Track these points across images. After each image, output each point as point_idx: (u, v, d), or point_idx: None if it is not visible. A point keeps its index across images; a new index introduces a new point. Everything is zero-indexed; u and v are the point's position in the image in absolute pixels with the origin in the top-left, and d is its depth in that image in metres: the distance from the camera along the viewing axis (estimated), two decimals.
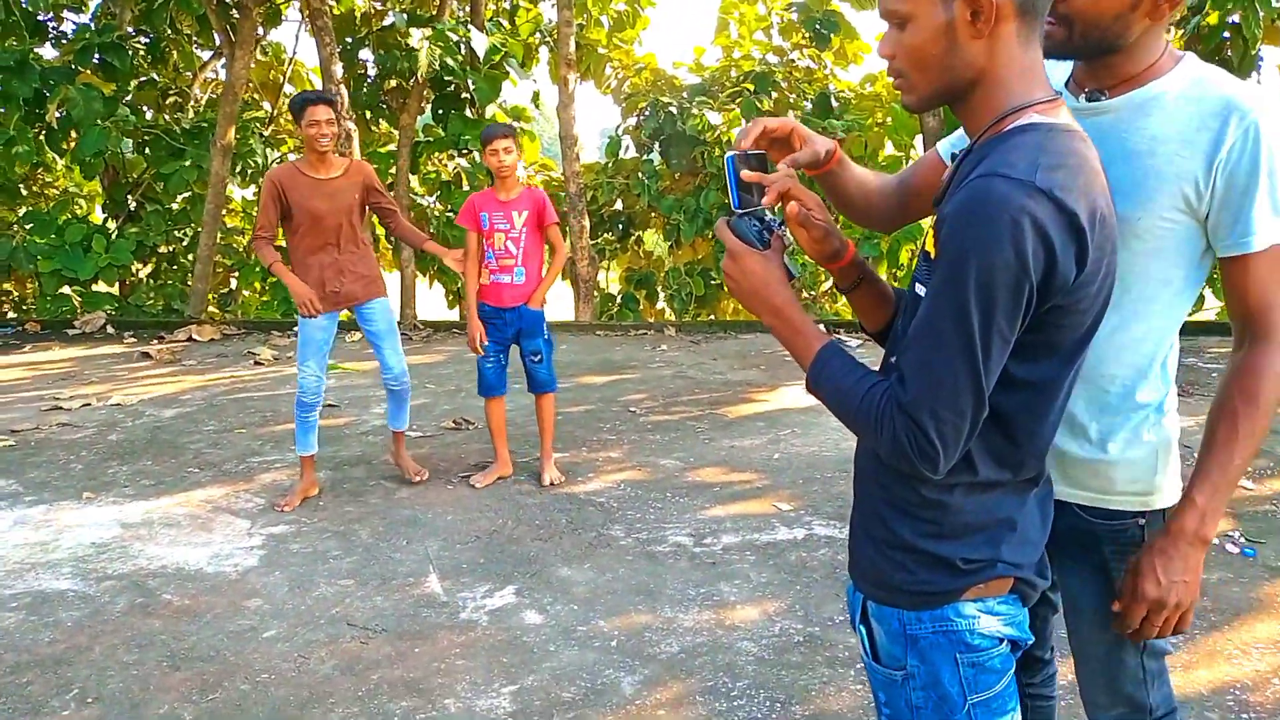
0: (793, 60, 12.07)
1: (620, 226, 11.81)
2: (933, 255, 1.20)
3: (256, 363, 8.32)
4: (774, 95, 11.35)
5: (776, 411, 6.21)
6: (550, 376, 4.72)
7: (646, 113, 10.89)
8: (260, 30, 12.42)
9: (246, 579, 3.74)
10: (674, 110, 10.57)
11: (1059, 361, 1.23)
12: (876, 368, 1.30)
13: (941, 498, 1.27)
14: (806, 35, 11.56)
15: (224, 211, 14.15)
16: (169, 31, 11.84)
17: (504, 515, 4.38)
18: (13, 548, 4.06)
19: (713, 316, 11.71)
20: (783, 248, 1.40)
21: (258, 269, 12.32)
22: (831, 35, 11.34)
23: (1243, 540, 3.84)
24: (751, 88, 10.94)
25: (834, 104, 11.34)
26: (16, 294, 12.77)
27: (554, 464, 4.85)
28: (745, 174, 1.37)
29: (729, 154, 1.39)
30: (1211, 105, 1.40)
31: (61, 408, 6.65)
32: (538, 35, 12.71)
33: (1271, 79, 9.95)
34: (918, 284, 1.26)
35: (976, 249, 1.10)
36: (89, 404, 6.75)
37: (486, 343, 4.60)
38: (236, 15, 10.52)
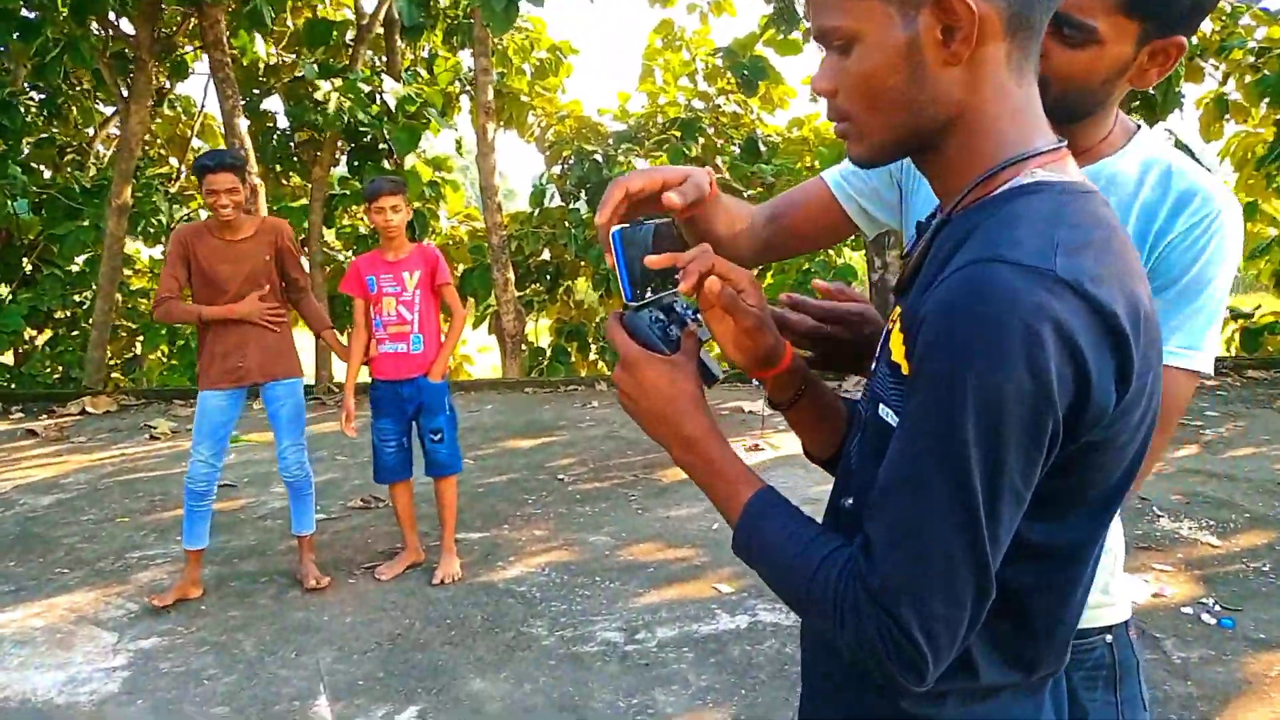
0: (719, 106, 11.92)
1: (548, 277, 11.44)
2: (905, 369, 0.82)
3: (152, 437, 7.69)
4: (700, 141, 11.15)
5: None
6: (452, 457, 4.23)
7: (571, 161, 10.59)
8: (166, 83, 11.90)
9: (102, 711, 3.19)
10: (599, 158, 10.28)
11: (1090, 517, 0.85)
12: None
13: (928, 712, 0.88)
14: (733, 80, 11.42)
15: (130, 272, 13.52)
16: (64, 87, 11.24)
17: (411, 613, 3.88)
18: None
19: None
20: (697, 347, 1.02)
21: (163, 331, 11.65)
22: (758, 81, 11.21)
23: (1218, 610, 3.54)
24: (678, 134, 10.72)
25: (762, 148, 11.18)
26: None
27: (454, 557, 4.30)
28: (651, 259, 0.99)
29: (614, 229, 1.00)
30: (1171, 194, 1.16)
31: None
32: (458, 84, 12.38)
33: (1192, 116, 10.03)
34: (881, 405, 0.88)
35: (977, 369, 0.73)
36: None
37: (353, 425, 4.16)
38: (132, 69, 9.96)
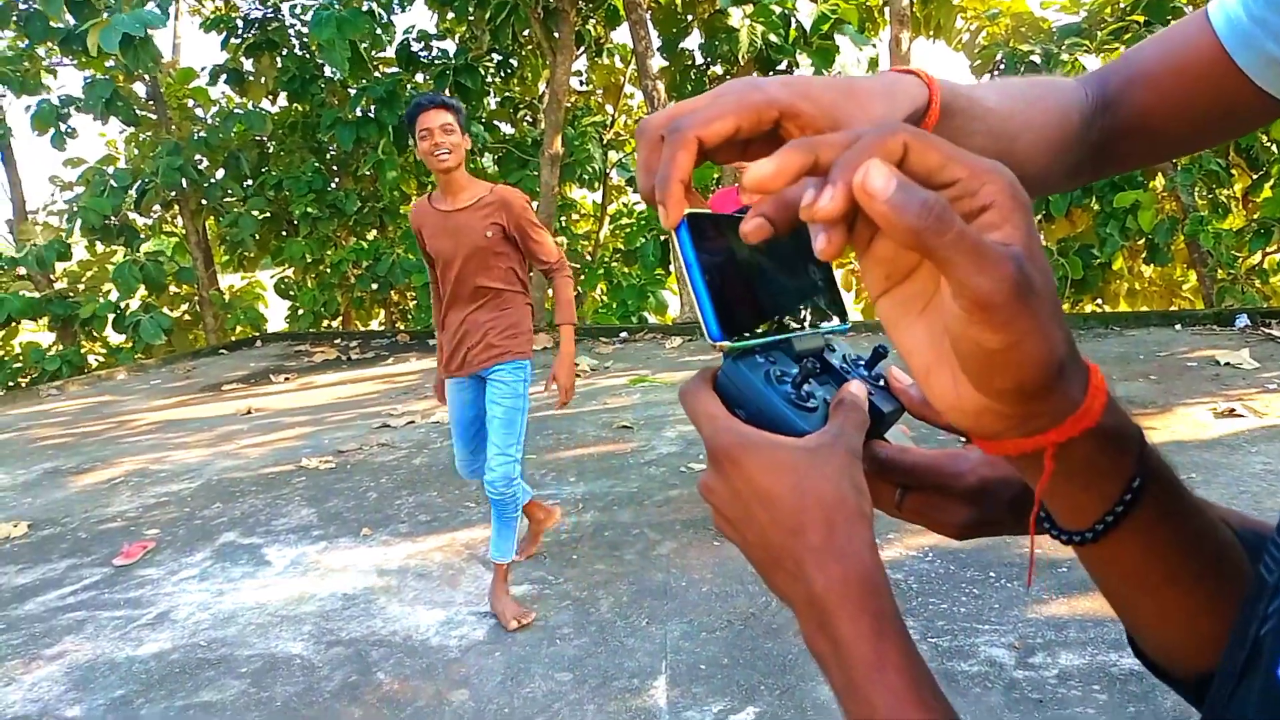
0: None
1: None
2: None
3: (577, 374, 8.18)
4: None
5: (1168, 446, 4.66)
6: None
7: (1002, 65, 9.26)
8: (599, 33, 12.55)
9: (465, 659, 3.28)
10: (1036, 59, 8.85)
11: None
12: None
13: None
14: None
15: (576, 216, 14.72)
16: (515, 47, 12.31)
17: (768, 591, 3.51)
18: (275, 595, 3.98)
19: (1098, 304, 9.78)
20: (863, 420, 0.51)
21: (600, 272, 12.50)
22: None
23: None
24: (1141, 19, 8.85)
25: None
26: (400, 306, 14.12)
27: None
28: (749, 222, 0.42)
29: (682, 219, 0.47)
30: None
31: (389, 425, 6.88)
32: None
33: None
34: None
35: None
36: (413, 421, 6.93)
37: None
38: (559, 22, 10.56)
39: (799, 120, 0.49)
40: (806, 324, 0.54)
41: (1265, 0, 0.67)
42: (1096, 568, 0.47)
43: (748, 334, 0.49)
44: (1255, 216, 9.02)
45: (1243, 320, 7.38)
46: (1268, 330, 7.07)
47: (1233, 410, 5.09)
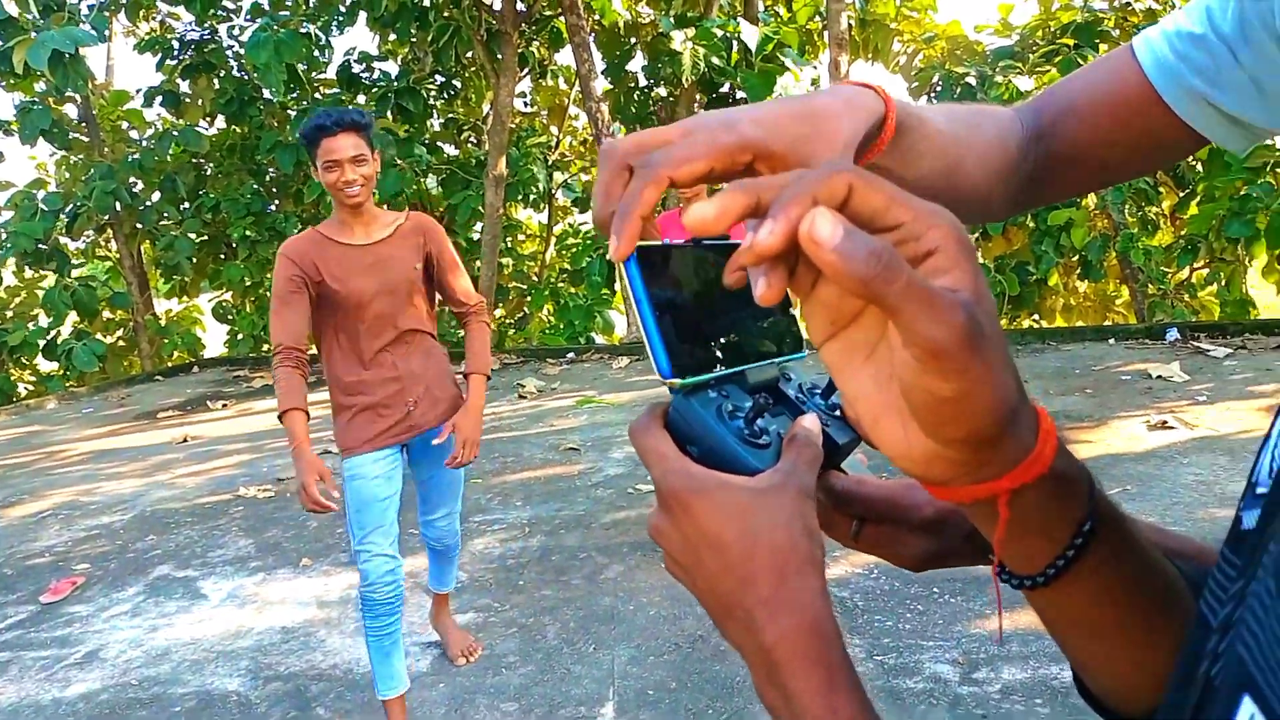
0: (1128, 4, 10.00)
1: None
2: None
3: (520, 396, 8.12)
4: (1103, 47, 9.42)
5: (1103, 459, 4.76)
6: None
7: (939, 87, 9.47)
8: (543, 55, 12.56)
9: (408, 692, 3.20)
10: (971, 80, 9.06)
11: None
12: None
13: None
14: None
15: (523, 237, 14.68)
16: (458, 68, 12.27)
17: None
18: (211, 629, 3.86)
19: (1035, 319, 9.99)
20: (816, 458, 0.49)
21: (546, 292, 12.46)
22: None
23: None
24: (1071, 42, 9.13)
25: None
26: None
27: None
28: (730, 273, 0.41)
29: (628, 255, 0.46)
30: None
31: (330, 451, 6.74)
32: (818, 19, 11.66)
33: None
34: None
35: None
36: None
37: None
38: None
39: (770, 163, 0.48)
40: (761, 355, 0.53)
41: (1188, 36, 0.69)
42: (1045, 610, 0.46)
43: (700, 368, 0.48)
44: (1183, 233, 9.32)
45: (1173, 334, 7.60)
46: (1197, 344, 7.28)
47: (1165, 423, 5.22)
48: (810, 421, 0.51)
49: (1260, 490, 0.34)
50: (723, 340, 0.50)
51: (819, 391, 0.57)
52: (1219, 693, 0.31)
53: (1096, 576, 0.43)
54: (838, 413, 0.56)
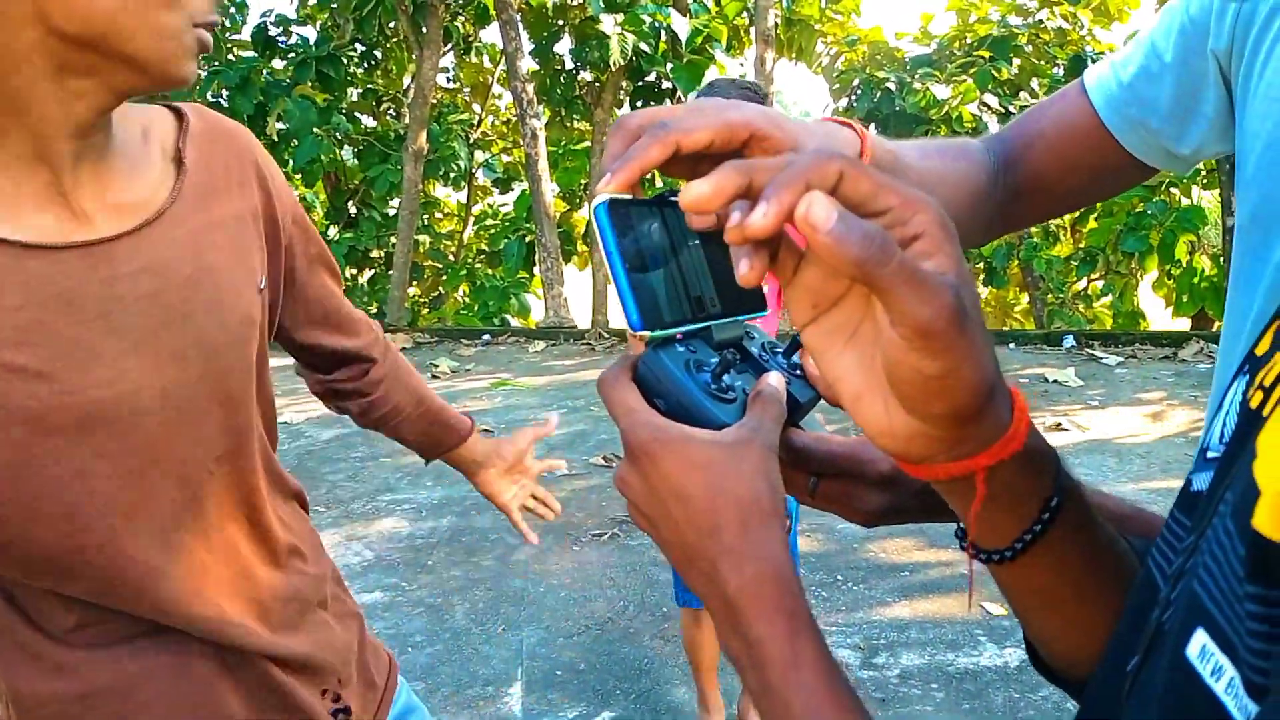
0: (1040, 21, 10.36)
1: None
2: None
3: (433, 376, 8.00)
4: (1016, 62, 9.75)
5: None
6: None
7: (859, 90, 9.67)
8: (468, 30, 12.36)
9: None
10: (891, 86, 9.28)
11: None
12: None
13: None
14: None
15: (440, 215, 14.44)
16: (380, 39, 11.97)
17: (628, 594, 3.55)
18: None
19: None
20: (780, 413, 0.52)
21: (462, 273, 12.29)
22: None
23: None
24: (987, 55, 9.43)
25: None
26: None
27: None
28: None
29: (599, 201, 0.47)
30: None
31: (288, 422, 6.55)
32: (746, 15, 11.76)
33: None
34: (1203, 635, 0.30)
35: None
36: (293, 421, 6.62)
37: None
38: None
39: (766, 143, 0.51)
40: (726, 312, 0.54)
41: (1133, 69, 0.75)
42: (1008, 583, 0.48)
43: (668, 322, 0.49)
44: (1082, 245, 9.74)
45: (1069, 341, 7.94)
46: (1091, 351, 7.63)
47: (1059, 425, 5.46)
48: (775, 379, 0.52)
49: (1211, 454, 0.36)
50: (690, 296, 0.51)
51: (780, 350, 0.59)
52: (1168, 635, 0.33)
53: (1058, 550, 0.45)
54: (799, 371, 0.57)
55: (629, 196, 0.48)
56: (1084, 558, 0.46)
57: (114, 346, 0.79)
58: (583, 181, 10.53)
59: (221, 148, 0.92)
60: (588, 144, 11.40)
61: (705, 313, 0.52)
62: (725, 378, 0.51)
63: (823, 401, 0.59)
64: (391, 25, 11.24)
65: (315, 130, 10.79)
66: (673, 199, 0.52)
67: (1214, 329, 8.85)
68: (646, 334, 0.48)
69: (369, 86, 13.00)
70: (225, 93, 11.12)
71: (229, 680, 0.93)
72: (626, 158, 0.47)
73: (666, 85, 10.68)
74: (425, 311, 13.02)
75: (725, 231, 0.38)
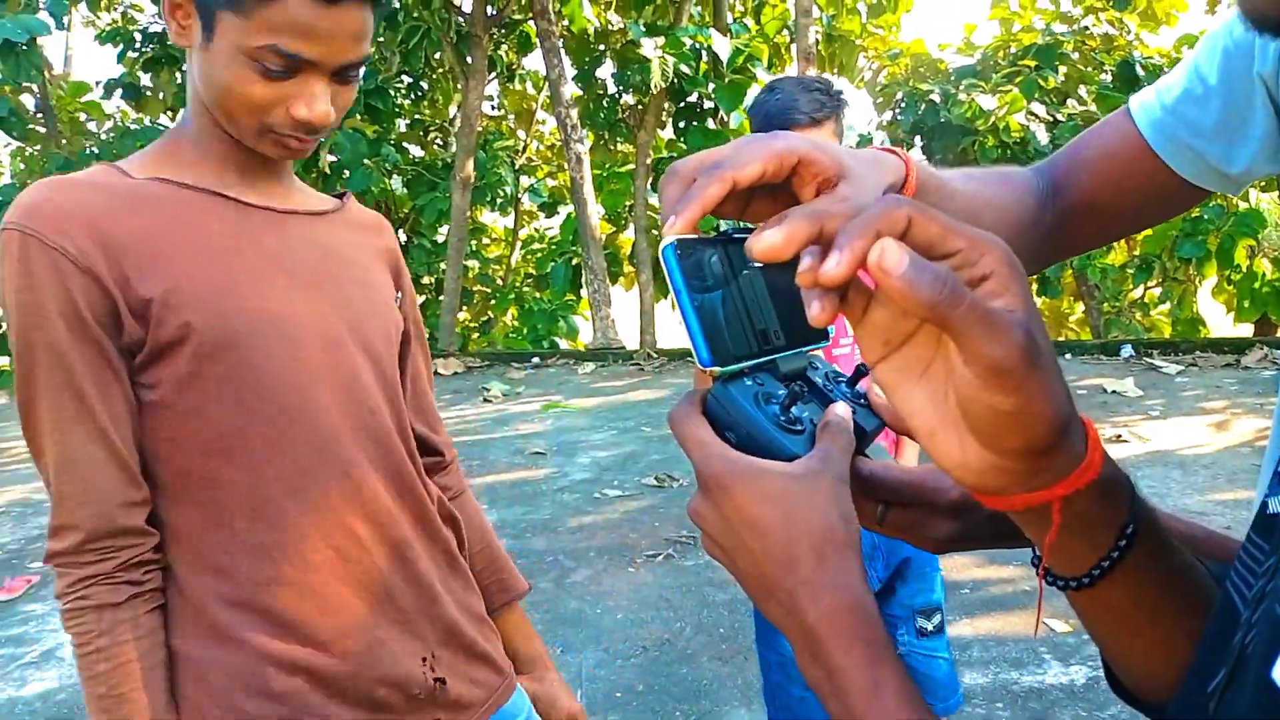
0: (1086, 28, 10.25)
1: None
2: None
3: (485, 400, 8.09)
4: (1062, 69, 9.65)
5: None
6: None
7: (903, 104, 9.63)
8: (512, 59, 12.57)
9: None
10: (935, 98, 9.23)
11: None
12: None
13: None
14: None
15: (488, 241, 14.64)
16: (427, 70, 12.23)
17: (684, 616, 3.55)
18: None
19: None
20: (850, 444, 0.53)
21: (511, 296, 12.44)
22: None
23: None
24: (1032, 63, 9.34)
25: (1140, 73, 9.44)
26: None
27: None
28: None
29: (668, 243, 0.50)
30: None
31: None
32: (786, 33, 11.79)
33: None
34: None
35: None
36: None
37: None
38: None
39: (814, 168, 0.53)
40: (790, 344, 0.55)
41: (1178, 92, 0.76)
42: (1085, 608, 0.48)
43: (736, 357, 0.50)
44: (1137, 253, 9.57)
45: (1127, 350, 7.79)
46: (1150, 360, 7.48)
47: (1119, 436, 5.36)
48: (842, 409, 0.53)
49: None
50: (755, 330, 0.53)
51: (844, 380, 0.60)
52: (1252, 658, 0.34)
53: (1135, 576, 0.45)
54: (863, 400, 0.59)
55: (694, 236, 0.50)
56: (1161, 583, 0.46)
57: (284, 282, 1.03)
58: (627, 203, 10.61)
59: (371, 224, 1.20)
60: (631, 166, 11.49)
61: (770, 346, 0.54)
62: (793, 409, 0.53)
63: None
64: (437, 56, 11.48)
65: (365, 161, 11.04)
66: (735, 236, 0.54)
67: (1278, 334, 8.62)
68: (716, 370, 0.50)
69: (416, 117, 13.28)
70: None
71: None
72: (688, 199, 0.49)
73: (708, 105, 10.75)
74: (475, 336, 13.20)
75: (798, 276, 0.40)
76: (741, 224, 0.56)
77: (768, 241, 0.41)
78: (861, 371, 0.60)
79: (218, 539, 0.98)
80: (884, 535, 0.61)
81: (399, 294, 1.18)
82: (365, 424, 1.06)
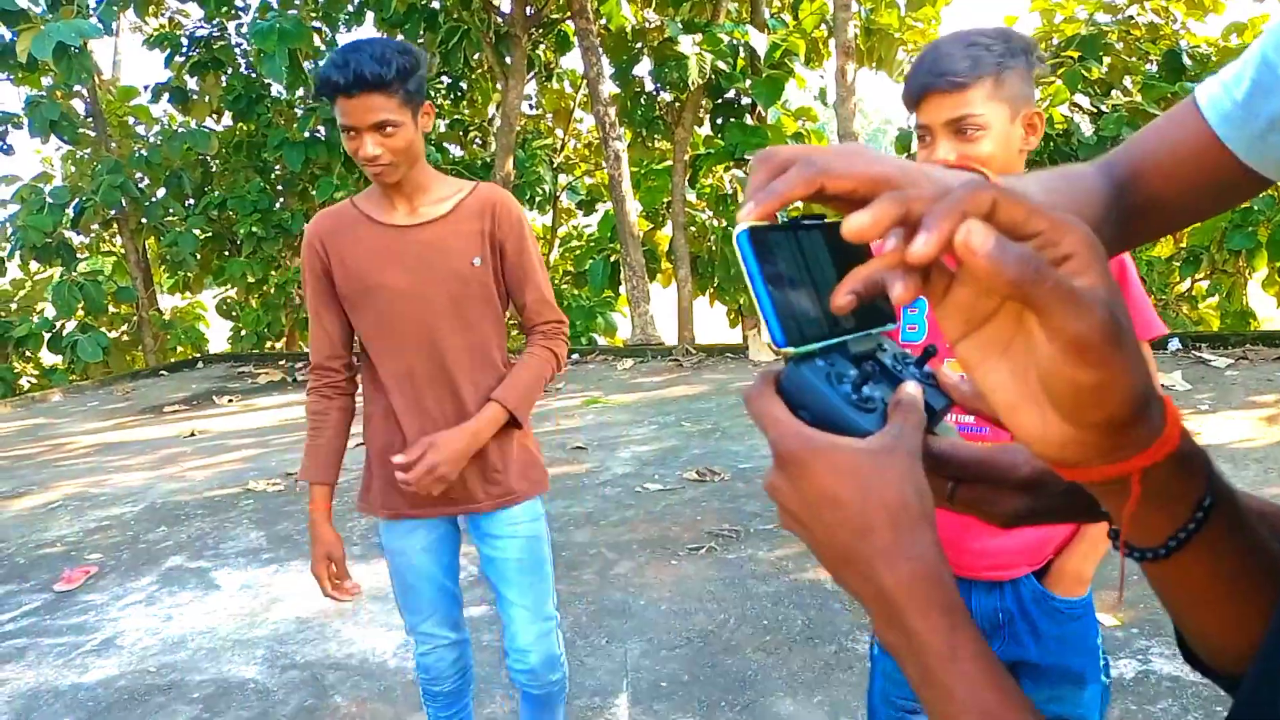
0: (1130, 17, 10.07)
1: None
2: None
3: None
4: (1106, 60, 9.50)
5: None
6: None
7: None
8: (552, 58, 12.63)
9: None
10: None
11: None
12: None
13: None
14: None
15: None
16: (466, 71, 12.33)
17: (728, 607, 3.57)
18: (226, 618, 3.90)
19: None
20: (921, 421, 0.53)
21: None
22: None
23: None
24: (1075, 54, 9.20)
25: (1187, 62, 9.26)
26: None
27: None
28: (841, 294, 0.47)
29: (741, 229, 0.51)
30: None
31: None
32: (824, 27, 11.73)
33: None
34: None
35: None
36: (361, 443, 6.84)
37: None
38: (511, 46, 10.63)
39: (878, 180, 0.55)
40: (860, 326, 0.57)
41: (1248, 84, 0.77)
42: (1160, 581, 0.50)
43: (808, 338, 0.53)
44: (1184, 245, 9.40)
45: (1175, 344, 7.67)
46: (1199, 353, 7.36)
47: None
48: (913, 388, 0.55)
49: None
50: (826, 313, 0.55)
51: (913, 361, 0.62)
52: None
53: (1212, 550, 0.47)
54: (932, 380, 0.61)
55: (766, 224, 0.52)
56: (1236, 556, 0.48)
57: (399, 271, 1.98)
58: (665, 200, 10.62)
59: (478, 199, 2.01)
60: (669, 163, 11.51)
61: (841, 328, 0.56)
62: (865, 388, 0.54)
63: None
64: (476, 57, 11.56)
65: None
66: (806, 223, 0.56)
67: None
68: (789, 350, 0.52)
69: (456, 117, 13.39)
70: (321, 129, 11.58)
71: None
72: (771, 190, 0.50)
73: (746, 101, 10.72)
74: (514, 333, 13.28)
75: (882, 256, 0.42)
76: (806, 218, 0.58)
77: (856, 224, 0.43)
78: (930, 353, 0.62)
79: (373, 378, 2.08)
80: (954, 510, 0.63)
81: (477, 258, 1.98)
82: (431, 339, 1.99)
